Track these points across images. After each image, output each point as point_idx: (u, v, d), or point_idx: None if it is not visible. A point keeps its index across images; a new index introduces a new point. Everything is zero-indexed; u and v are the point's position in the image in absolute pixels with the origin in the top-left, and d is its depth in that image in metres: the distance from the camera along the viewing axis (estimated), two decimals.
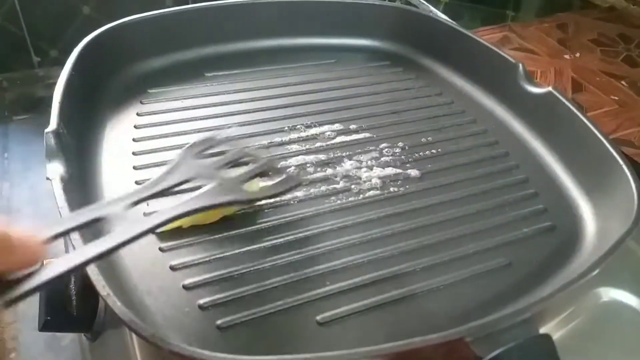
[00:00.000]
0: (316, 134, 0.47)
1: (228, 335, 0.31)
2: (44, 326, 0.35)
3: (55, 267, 0.24)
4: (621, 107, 0.64)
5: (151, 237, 0.36)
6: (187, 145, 0.35)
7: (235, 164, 0.35)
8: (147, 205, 0.34)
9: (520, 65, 0.49)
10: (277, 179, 0.36)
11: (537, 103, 0.47)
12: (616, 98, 0.66)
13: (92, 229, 0.28)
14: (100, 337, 0.37)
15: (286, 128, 0.47)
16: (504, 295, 0.35)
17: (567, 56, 0.74)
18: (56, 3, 0.74)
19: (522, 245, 0.39)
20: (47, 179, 0.33)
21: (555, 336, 0.31)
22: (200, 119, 0.47)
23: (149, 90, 0.50)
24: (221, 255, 0.35)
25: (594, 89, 0.67)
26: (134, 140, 0.44)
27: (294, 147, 0.45)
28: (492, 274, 0.36)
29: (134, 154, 0.43)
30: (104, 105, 0.47)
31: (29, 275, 0.23)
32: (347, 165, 0.43)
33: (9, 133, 0.71)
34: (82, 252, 0.25)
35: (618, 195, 0.39)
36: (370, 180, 0.42)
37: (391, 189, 0.42)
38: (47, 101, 0.39)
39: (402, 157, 0.45)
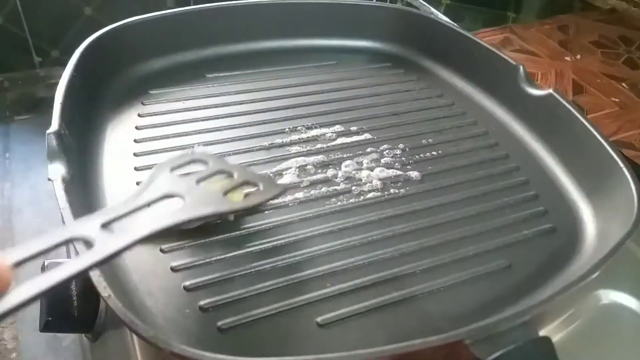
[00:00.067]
0: (317, 136, 0.47)
1: (229, 337, 0.31)
2: (45, 327, 0.35)
3: (57, 272, 0.24)
4: (622, 109, 0.64)
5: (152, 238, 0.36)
6: (162, 162, 0.33)
7: (213, 176, 0.34)
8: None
9: (521, 67, 0.49)
10: (259, 188, 0.35)
11: (538, 105, 0.48)
12: (617, 100, 0.66)
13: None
14: (101, 337, 0.37)
15: (287, 129, 0.47)
16: (504, 297, 0.35)
17: (567, 58, 0.74)
18: (58, 4, 0.74)
19: (522, 247, 0.39)
20: (49, 179, 0.33)
21: (555, 338, 0.31)
22: (201, 120, 0.47)
23: (150, 91, 0.50)
24: (222, 256, 0.35)
25: (595, 91, 0.67)
26: (135, 141, 0.44)
27: (295, 148, 0.45)
28: (492, 276, 0.36)
29: (135, 155, 0.43)
30: (106, 106, 0.47)
31: None
32: (348, 166, 0.43)
33: (10, 133, 0.71)
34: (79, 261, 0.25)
35: (618, 198, 0.39)
36: (370, 182, 0.42)
37: (392, 191, 0.42)
38: (49, 101, 0.39)
39: (403, 158, 0.45)
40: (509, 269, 0.37)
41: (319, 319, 0.32)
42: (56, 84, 0.40)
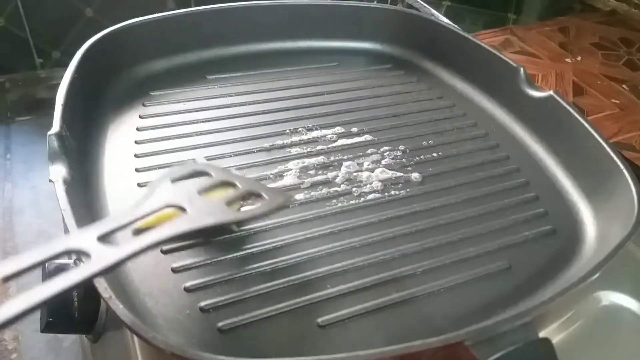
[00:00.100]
0: (317, 137, 0.47)
1: (229, 338, 0.31)
2: (46, 327, 0.35)
3: (45, 288, 0.23)
4: (622, 111, 0.64)
5: None
6: (165, 172, 0.33)
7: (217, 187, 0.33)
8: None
9: (522, 69, 0.49)
10: (264, 198, 0.34)
11: (538, 107, 0.48)
12: (617, 102, 0.66)
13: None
14: (102, 338, 0.37)
15: (288, 131, 0.47)
16: (504, 298, 0.35)
17: (568, 60, 0.74)
18: (59, 5, 0.75)
19: (522, 248, 0.39)
20: (50, 181, 0.33)
21: (555, 340, 0.31)
22: (202, 122, 0.47)
23: (151, 93, 0.50)
24: (222, 257, 0.35)
25: (595, 92, 0.67)
26: (136, 142, 0.44)
27: (296, 150, 0.45)
28: (493, 277, 0.36)
29: (136, 156, 0.43)
30: (107, 108, 0.47)
31: None
32: (348, 168, 0.44)
33: (11, 134, 0.71)
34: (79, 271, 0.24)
35: (618, 199, 0.39)
36: (371, 183, 0.42)
37: (392, 192, 0.42)
38: (49, 102, 0.39)
39: (403, 160, 0.45)
40: (509, 270, 0.37)
41: (319, 320, 0.32)
42: (57, 85, 0.41)
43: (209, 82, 0.53)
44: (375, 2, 0.73)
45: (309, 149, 0.45)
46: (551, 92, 0.47)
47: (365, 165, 0.44)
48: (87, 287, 0.32)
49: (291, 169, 0.43)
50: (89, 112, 0.45)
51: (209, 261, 0.35)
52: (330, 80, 0.55)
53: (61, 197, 0.32)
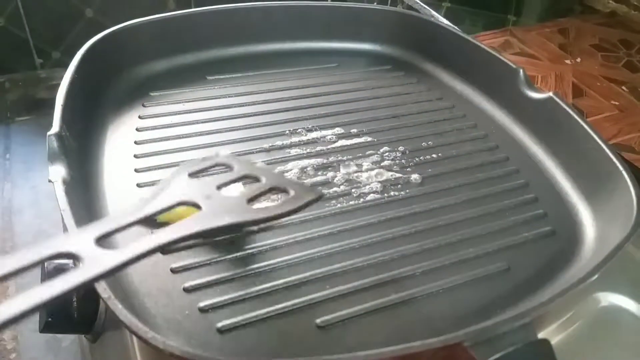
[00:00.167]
0: (317, 138, 0.47)
1: (228, 338, 0.31)
2: (45, 327, 0.35)
3: (62, 280, 0.22)
4: (622, 113, 0.64)
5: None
6: (181, 164, 0.30)
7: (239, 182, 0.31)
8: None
9: (521, 70, 0.49)
10: (290, 194, 0.30)
11: (538, 108, 0.48)
12: (617, 103, 0.66)
13: None
14: (101, 338, 0.37)
15: (287, 132, 0.47)
16: (503, 299, 0.35)
17: (568, 61, 0.74)
18: (59, 5, 0.75)
19: (521, 249, 0.39)
20: (49, 181, 0.33)
21: (554, 341, 0.31)
22: (202, 122, 0.47)
23: (151, 93, 0.50)
24: (222, 258, 0.35)
25: (595, 94, 0.67)
26: (136, 143, 0.44)
27: (295, 150, 0.45)
28: (492, 278, 0.36)
29: (135, 156, 0.43)
30: (106, 108, 0.47)
31: None
32: (348, 169, 0.44)
33: (11, 134, 0.71)
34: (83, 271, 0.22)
35: (617, 201, 0.39)
36: (370, 184, 0.42)
37: (392, 193, 0.42)
38: (49, 103, 0.39)
39: (403, 161, 0.45)
40: (508, 272, 0.37)
41: (318, 321, 0.32)
42: (57, 85, 0.41)
43: (209, 83, 0.53)
44: (375, 3, 0.73)
45: (308, 150, 0.45)
46: (551, 94, 0.47)
47: (365, 166, 0.44)
48: (86, 287, 0.32)
49: (291, 170, 0.43)
50: (89, 113, 0.45)
51: (208, 261, 0.35)
52: (330, 81, 0.55)
53: (60, 197, 0.32)
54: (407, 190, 0.42)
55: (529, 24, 0.88)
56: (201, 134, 0.46)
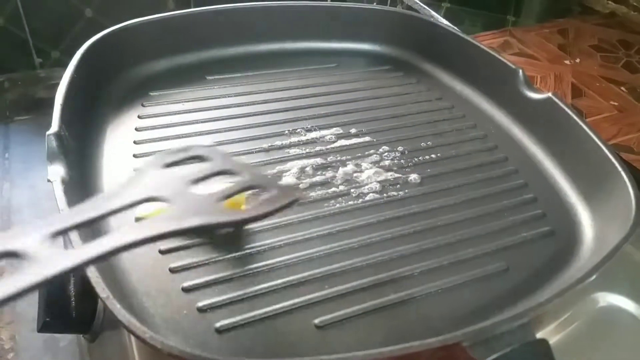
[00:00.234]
0: (316, 138, 0.47)
1: (227, 338, 0.31)
2: (43, 327, 0.35)
3: (51, 265, 0.20)
4: (621, 113, 0.64)
5: None
6: (154, 156, 0.28)
7: (214, 177, 0.28)
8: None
9: (520, 70, 0.49)
10: (269, 195, 0.28)
11: (537, 108, 0.48)
12: (616, 104, 0.66)
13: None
14: (99, 338, 0.37)
15: (286, 132, 0.47)
16: (502, 300, 0.35)
17: (567, 62, 0.74)
18: (58, 5, 0.75)
19: (520, 250, 0.39)
20: (48, 180, 0.33)
21: (552, 341, 0.31)
22: (201, 122, 0.47)
23: (150, 93, 0.50)
24: (221, 257, 0.35)
25: (594, 94, 0.67)
26: (135, 142, 0.44)
27: (294, 150, 0.45)
28: (490, 278, 0.36)
29: (135, 156, 0.43)
30: (106, 108, 0.47)
31: None
32: (347, 169, 0.44)
33: (10, 133, 0.71)
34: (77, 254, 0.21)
35: (616, 201, 0.39)
36: (369, 184, 0.42)
37: (391, 193, 0.42)
38: (48, 102, 0.39)
39: (402, 161, 0.45)
40: (507, 272, 0.37)
41: (317, 321, 0.32)
42: (56, 85, 0.41)
43: (208, 83, 0.53)
44: (374, 4, 0.73)
45: (307, 150, 0.45)
46: (550, 94, 0.47)
47: (364, 166, 0.44)
48: (84, 287, 0.32)
49: (290, 170, 0.43)
50: (88, 112, 0.45)
51: (207, 261, 0.35)
52: (330, 82, 0.55)
53: (59, 196, 0.32)
54: (406, 191, 0.42)
55: (528, 24, 0.88)
56: (200, 133, 0.46)
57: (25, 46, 0.76)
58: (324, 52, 0.58)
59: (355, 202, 0.41)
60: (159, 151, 0.43)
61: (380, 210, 0.40)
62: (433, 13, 0.74)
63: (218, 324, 0.32)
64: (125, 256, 0.34)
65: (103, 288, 0.27)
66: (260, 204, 0.28)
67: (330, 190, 0.41)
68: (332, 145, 0.46)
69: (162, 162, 0.27)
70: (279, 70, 0.55)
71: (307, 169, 0.43)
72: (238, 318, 0.32)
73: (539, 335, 0.29)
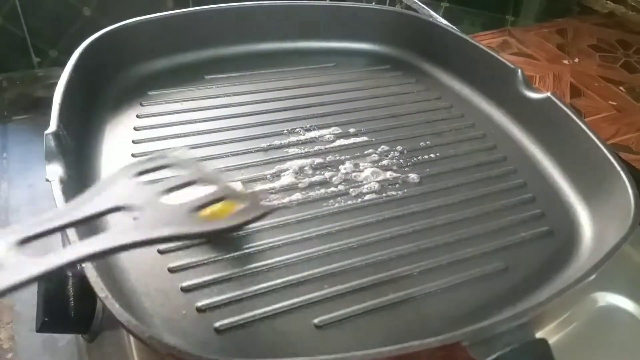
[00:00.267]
0: (315, 137, 0.47)
1: (226, 338, 0.31)
2: (42, 327, 0.35)
3: (51, 259, 0.21)
4: (619, 113, 0.64)
5: None
6: (127, 165, 0.28)
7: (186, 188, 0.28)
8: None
9: (519, 70, 0.49)
10: (241, 206, 0.28)
11: (536, 108, 0.48)
12: (614, 103, 0.66)
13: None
14: (98, 338, 0.37)
15: (285, 131, 0.47)
16: (501, 299, 0.35)
17: (566, 61, 0.74)
18: (57, 4, 0.74)
19: (519, 249, 0.39)
20: (47, 180, 0.33)
21: (552, 341, 0.31)
22: (200, 122, 0.47)
23: (148, 92, 0.50)
24: (219, 257, 0.35)
25: (593, 94, 0.67)
26: (133, 142, 0.44)
27: (293, 150, 0.45)
28: (490, 278, 0.36)
29: (133, 156, 0.43)
30: (104, 107, 0.47)
31: None
32: (346, 168, 0.44)
33: (8, 133, 0.71)
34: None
35: (615, 201, 0.39)
36: (368, 184, 0.42)
37: (389, 193, 0.42)
38: (47, 101, 0.39)
39: (401, 160, 0.45)
40: (506, 271, 0.37)
41: (316, 321, 0.32)
42: (54, 84, 0.40)
43: (207, 82, 0.53)
44: (373, 3, 0.73)
45: (306, 150, 0.45)
46: (549, 94, 0.47)
47: (363, 165, 0.44)
48: (83, 287, 0.32)
49: (289, 169, 0.43)
50: (87, 112, 0.45)
51: (206, 261, 0.35)
52: (328, 81, 0.55)
53: (58, 196, 0.32)
54: (405, 190, 0.42)
55: (527, 24, 0.88)
56: (199, 133, 0.46)
57: (24, 45, 0.76)
58: (322, 52, 0.58)
59: (354, 201, 0.41)
60: (158, 151, 0.43)
61: (379, 210, 0.40)
62: (432, 12, 0.74)
63: (217, 324, 0.31)
64: (124, 256, 0.34)
65: (102, 288, 0.27)
66: (234, 215, 0.28)
67: (329, 190, 0.41)
68: (331, 145, 0.46)
69: (132, 171, 0.27)
70: (277, 70, 0.55)
71: (306, 168, 0.43)
72: (237, 318, 0.32)
73: (539, 335, 0.29)
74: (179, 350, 0.25)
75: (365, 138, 0.47)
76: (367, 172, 0.43)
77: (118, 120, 0.47)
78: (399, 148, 0.46)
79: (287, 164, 0.43)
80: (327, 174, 0.43)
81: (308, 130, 0.48)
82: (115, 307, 0.26)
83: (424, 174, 0.44)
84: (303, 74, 0.55)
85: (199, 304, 0.32)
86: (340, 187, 0.42)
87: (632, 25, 0.85)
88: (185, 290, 0.33)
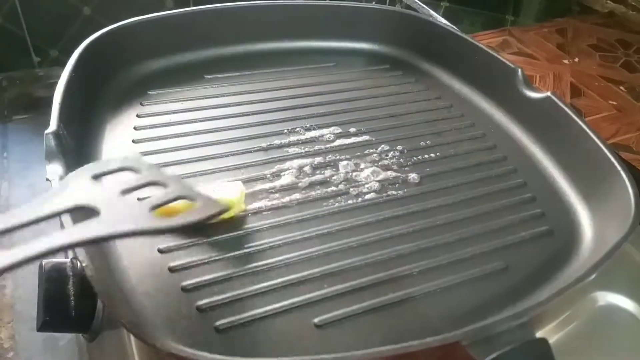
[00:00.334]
0: (315, 137, 0.47)
1: (226, 337, 0.31)
2: (42, 326, 0.35)
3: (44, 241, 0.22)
4: (619, 112, 0.64)
5: (150, 238, 0.36)
6: (83, 167, 0.29)
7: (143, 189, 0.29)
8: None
9: (519, 70, 0.49)
10: (196, 205, 0.29)
11: (536, 108, 0.48)
12: (614, 103, 0.66)
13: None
14: (98, 337, 0.37)
15: (285, 131, 0.47)
16: (501, 299, 0.35)
17: (566, 61, 0.74)
18: (57, 4, 0.74)
19: (519, 249, 0.39)
20: (47, 179, 0.33)
21: (552, 340, 0.31)
22: (200, 121, 0.47)
23: (148, 92, 0.50)
24: (220, 257, 0.35)
25: (593, 93, 0.68)
26: (133, 141, 0.44)
27: (293, 149, 0.45)
28: (490, 277, 0.36)
29: None
30: (104, 107, 0.47)
31: None
32: (346, 168, 0.44)
33: (8, 133, 0.71)
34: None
35: (615, 200, 0.39)
36: (368, 183, 0.42)
37: (389, 192, 0.42)
38: (47, 101, 0.39)
39: (401, 160, 0.45)
40: (506, 271, 0.37)
41: (316, 320, 0.32)
42: (55, 83, 0.40)
43: (207, 82, 0.53)
44: (373, 3, 0.73)
45: (306, 149, 0.45)
46: (549, 93, 0.47)
47: (363, 165, 0.44)
48: (84, 286, 0.32)
49: (289, 169, 0.43)
50: (87, 111, 0.45)
51: (206, 260, 0.35)
52: (328, 81, 0.55)
53: None
54: (405, 190, 0.42)
55: (527, 23, 0.88)
56: (199, 132, 0.46)
57: (24, 45, 0.76)
58: (322, 51, 0.58)
59: (355, 201, 0.41)
60: (157, 150, 0.44)
61: (379, 210, 0.40)
62: (432, 12, 0.74)
63: (217, 323, 0.32)
64: (124, 255, 0.34)
65: (102, 287, 0.27)
66: (187, 214, 0.29)
67: (329, 190, 0.41)
68: (331, 145, 0.46)
69: (90, 173, 0.28)
70: (277, 69, 0.55)
71: (306, 168, 0.43)
72: (237, 317, 0.32)
73: (539, 334, 0.29)
74: (179, 349, 0.25)
75: (365, 137, 0.47)
76: (367, 171, 0.43)
77: (118, 119, 0.47)
78: (399, 147, 0.46)
79: (287, 164, 0.43)
80: (327, 174, 0.43)
81: (308, 129, 0.48)
82: (115, 306, 0.26)
83: (424, 174, 0.44)
84: (303, 73, 0.55)
85: (200, 303, 0.32)
86: (341, 187, 0.42)
87: (632, 25, 0.85)
88: (186, 289, 0.33)
